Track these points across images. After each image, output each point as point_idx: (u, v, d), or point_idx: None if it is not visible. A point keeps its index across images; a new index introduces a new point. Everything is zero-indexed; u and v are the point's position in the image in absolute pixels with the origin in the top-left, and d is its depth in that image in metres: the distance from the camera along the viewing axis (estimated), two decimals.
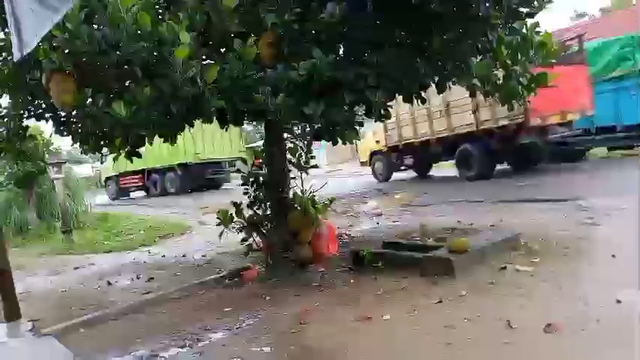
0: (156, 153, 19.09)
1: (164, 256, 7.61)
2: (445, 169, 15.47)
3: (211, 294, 5.06)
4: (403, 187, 13.29)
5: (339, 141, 4.83)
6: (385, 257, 5.10)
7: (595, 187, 8.54)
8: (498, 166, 13.24)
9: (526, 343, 2.97)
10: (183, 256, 7.33)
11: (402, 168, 16.24)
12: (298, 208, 5.21)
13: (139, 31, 3.33)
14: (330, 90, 4.31)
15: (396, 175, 16.11)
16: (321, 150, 21.67)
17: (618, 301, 3.33)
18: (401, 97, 5.20)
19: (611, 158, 14.40)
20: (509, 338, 3.04)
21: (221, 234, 5.28)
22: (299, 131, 5.52)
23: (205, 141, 20.52)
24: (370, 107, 4.75)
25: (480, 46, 4.69)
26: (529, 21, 4.88)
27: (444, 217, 7.50)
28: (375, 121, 5.94)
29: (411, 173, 16.23)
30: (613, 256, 4.36)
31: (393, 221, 8.03)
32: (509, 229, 5.68)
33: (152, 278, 6.10)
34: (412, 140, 14.85)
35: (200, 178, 21.35)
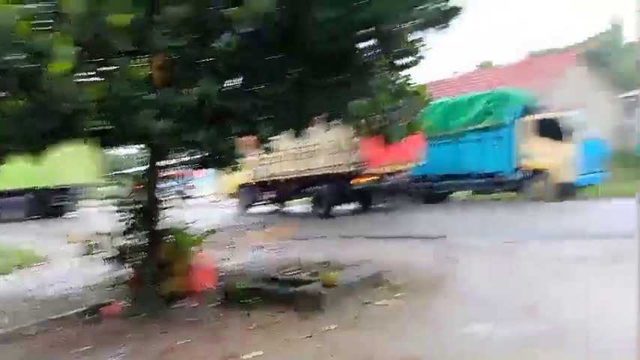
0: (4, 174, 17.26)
1: (20, 287, 6.93)
2: (295, 205, 16.26)
3: (71, 330, 4.70)
4: (279, 221, 13.49)
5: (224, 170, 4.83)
6: (261, 291, 5.09)
7: (457, 226, 9.30)
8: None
9: None
10: (43, 287, 6.73)
11: (265, 202, 16.74)
12: (172, 238, 5.06)
13: (14, 41, 3.12)
14: (221, 118, 4.32)
15: (261, 209, 16.54)
16: (207, 179, 21.18)
17: (469, 334, 3.64)
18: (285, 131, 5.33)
19: (476, 201, 15.84)
20: None
21: (85, 264, 4.95)
22: (186, 157, 5.41)
23: (57, 164, 18.82)
24: (259, 139, 4.83)
25: (363, 91, 5.00)
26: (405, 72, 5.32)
27: (319, 252, 7.69)
28: (259, 154, 6.01)
29: (275, 206, 16.70)
30: (468, 292, 4.77)
31: (272, 255, 8.06)
32: (377, 265, 5.98)
33: (3, 312, 5.52)
34: (278, 177, 15.51)
35: (47, 204, 20.01)
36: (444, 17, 5.08)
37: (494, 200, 14.87)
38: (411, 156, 13.64)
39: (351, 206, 14.74)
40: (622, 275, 4.99)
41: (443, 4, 4.97)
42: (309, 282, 5.10)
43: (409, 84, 5.32)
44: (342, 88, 4.81)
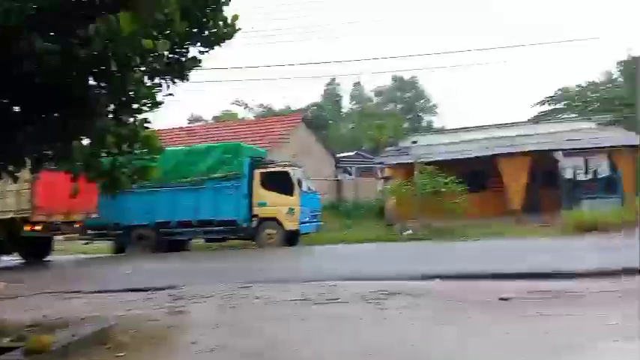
0: None
1: None
2: None
3: None
4: None
5: None
6: None
7: (190, 274, 9.23)
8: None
9: None
10: None
11: None
12: None
13: None
14: None
15: None
16: None
17: None
18: None
19: (213, 249, 16.07)
20: None
21: None
22: None
23: None
24: None
25: (86, 130, 4.61)
26: (140, 116, 5.12)
27: (31, 311, 6.66)
28: None
29: None
30: (193, 342, 4.69)
31: None
32: (100, 322, 5.45)
33: None
34: None
35: None
36: (180, 67, 5.16)
37: (232, 247, 15.31)
38: (88, 205, 13.14)
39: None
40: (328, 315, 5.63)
41: (183, 51, 5.06)
42: (11, 349, 4.31)
43: (145, 128, 5.13)
44: (59, 126, 4.37)
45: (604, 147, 17.51)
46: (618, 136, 18.50)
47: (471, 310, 5.47)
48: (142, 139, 5.06)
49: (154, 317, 5.87)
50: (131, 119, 5.02)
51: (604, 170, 17.32)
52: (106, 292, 7.79)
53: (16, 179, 5.10)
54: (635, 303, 5.24)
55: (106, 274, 10.46)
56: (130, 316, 6.04)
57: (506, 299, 5.79)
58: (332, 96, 49.47)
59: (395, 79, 47.74)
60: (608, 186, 17.27)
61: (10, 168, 4.85)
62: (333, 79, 46.42)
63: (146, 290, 7.62)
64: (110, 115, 4.83)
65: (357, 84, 47.96)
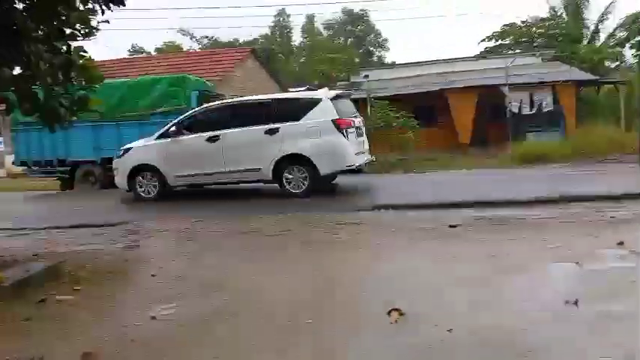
0: None
1: None
2: None
3: None
4: None
5: None
6: None
7: (144, 210, 9.09)
8: None
9: None
10: None
11: None
12: None
13: None
14: None
15: None
16: None
17: (153, 318, 3.58)
18: None
19: None
20: None
21: None
22: None
23: None
24: None
25: (16, 57, 4.29)
26: (75, 43, 4.81)
27: None
28: None
29: None
30: (153, 275, 4.69)
31: None
32: (53, 258, 5.34)
33: None
34: None
35: None
36: None
37: None
38: None
39: None
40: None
41: None
42: None
43: (82, 56, 4.83)
44: None
45: (548, 82, 18.06)
46: (562, 71, 19.10)
47: (421, 237, 5.70)
48: (78, 67, 4.78)
49: (110, 252, 5.80)
50: (65, 47, 4.72)
51: (548, 104, 17.96)
52: (56, 228, 7.59)
53: None
54: (574, 227, 5.62)
55: (55, 211, 10.14)
56: (84, 251, 5.94)
57: (454, 226, 6.05)
58: (281, 28, 48.08)
59: (345, 12, 46.79)
60: (552, 119, 17.97)
61: None
62: (283, 10, 45.01)
63: (99, 226, 7.47)
64: (42, 42, 4.52)
65: (307, 16, 46.70)
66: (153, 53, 38.77)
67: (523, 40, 31.15)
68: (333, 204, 8.59)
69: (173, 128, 10.19)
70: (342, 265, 4.81)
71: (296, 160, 9.28)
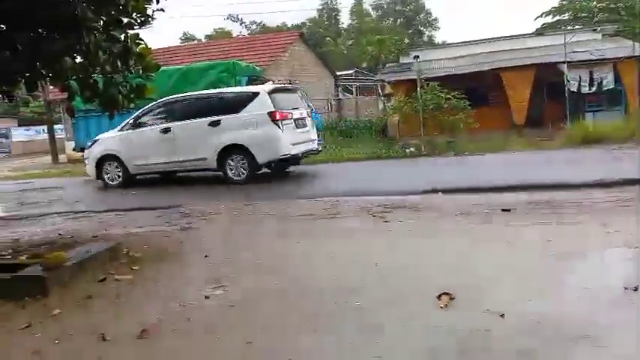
0: None
1: None
2: None
3: None
4: None
5: None
6: None
7: (195, 194, 9.34)
8: None
9: (119, 353, 2.94)
10: None
11: None
12: None
13: None
14: None
15: None
16: None
17: (206, 297, 3.70)
18: None
19: None
20: (101, 352, 2.94)
21: None
22: None
23: None
24: None
25: (76, 47, 4.47)
26: (132, 32, 4.95)
27: (44, 230, 6.82)
28: None
29: None
30: (205, 256, 4.83)
31: None
32: (112, 239, 5.59)
33: None
34: None
35: None
36: None
37: None
38: None
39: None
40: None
41: None
42: (27, 265, 4.44)
43: (138, 45, 4.97)
44: (49, 44, 4.22)
45: (609, 59, 17.13)
46: (624, 47, 18.04)
47: (473, 222, 5.58)
48: (135, 55, 4.92)
49: (165, 234, 6.02)
50: (122, 35, 4.86)
51: (609, 82, 17.04)
52: (114, 211, 7.93)
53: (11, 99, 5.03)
54: (634, 212, 5.35)
55: (113, 195, 10.58)
56: (140, 233, 6.18)
57: (508, 210, 5.89)
58: (329, 11, 47.71)
59: None
60: (613, 98, 17.07)
61: (5, 88, 4.77)
62: None
63: (154, 209, 7.75)
64: (100, 32, 4.68)
65: None
66: (203, 40, 39.46)
67: (582, 15, 29.68)
68: (376, 189, 8.52)
69: (133, 121, 11.05)
70: (390, 249, 4.78)
71: (236, 149, 9.99)
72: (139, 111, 10.82)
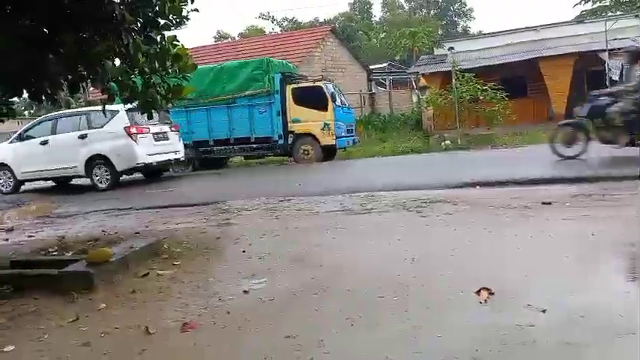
0: None
1: None
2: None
3: None
4: (39, 198, 11.94)
5: None
6: (12, 278, 4.42)
7: (232, 190, 9.47)
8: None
9: (163, 346, 3.02)
10: None
11: None
12: None
13: None
14: None
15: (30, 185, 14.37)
16: None
17: (245, 292, 3.75)
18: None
19: (249, 166, 16.36)
20: (146, 345, 3.03)
21: None
22: None
23: None
24: None
25: (116, 49, 4.58)
26: (168, 33, 5.05)
27: (88, 228, 7.05)
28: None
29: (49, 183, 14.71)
30: (243, 251, 4.90)
31: (28, 236, 7.07)
32: (153, 235, 5.74)
33: None
34: None
35: None
36: None
37: (267, 163, 15.53)
38: None
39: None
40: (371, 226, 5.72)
41: None
42: (73, 261, 4.61)
43: (175, 45, 5.06)
44: (89, 46, 4.34)
45: None
46: None
47: (513, 215, 5.48)
48: (172, 56, 5.01)
49: (204, 229, 6.13)
50: (159, 37, 4.96)
51: None
52: (154, 208, 8.13)
53: (55, 102, 5.20)
54: None
55: (152, 192, 10.85)
56: (180, 229, 6.32)
57: (548, 203, 5.76)
58: (361, 4, 47.42)
59: None
60: None
61: (49, 90, 4.92)
62: None
63: (192, 205, 7.90)
64: (138, 33, 4.78)
65: None
66: (237, 38, 39.84)
67: (624, 0, 28.56)
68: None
69: (20, 134, 13.00)
70: (428, 243, 4.75)
71: (100, 159, 11.98)
72: (26, 125, 12.96)
